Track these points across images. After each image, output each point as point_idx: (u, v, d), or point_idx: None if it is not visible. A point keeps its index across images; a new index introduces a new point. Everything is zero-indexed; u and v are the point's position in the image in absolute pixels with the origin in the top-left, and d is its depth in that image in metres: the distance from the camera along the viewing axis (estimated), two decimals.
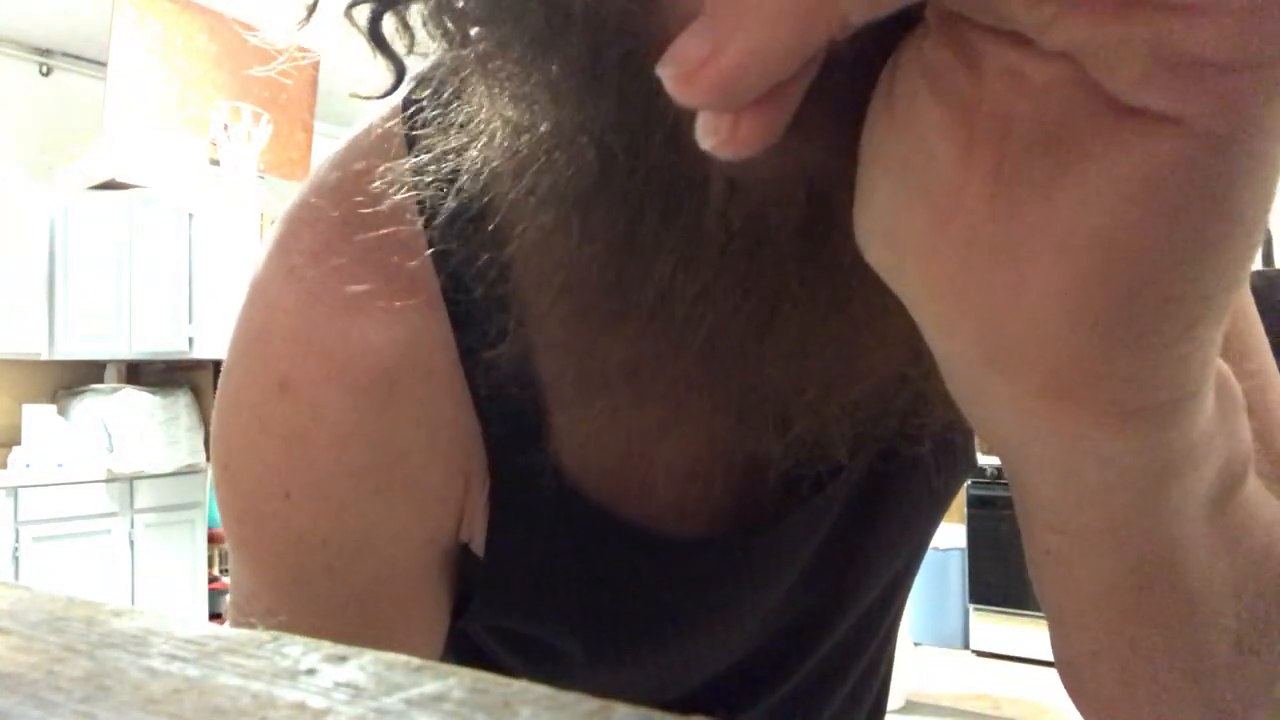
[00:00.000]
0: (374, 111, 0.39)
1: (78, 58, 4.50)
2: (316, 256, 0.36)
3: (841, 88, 0.20)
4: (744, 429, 0.33)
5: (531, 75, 0.25)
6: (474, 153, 0.30)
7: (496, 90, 0.27)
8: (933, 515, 0.46)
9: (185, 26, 4.29)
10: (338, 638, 0.39)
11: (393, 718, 0.13)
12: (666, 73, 0.18)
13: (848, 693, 0.52)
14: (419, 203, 0.34)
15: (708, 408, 0.32)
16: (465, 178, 0.31)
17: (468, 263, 0.34)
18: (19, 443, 3.96)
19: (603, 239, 0.27)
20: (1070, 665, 0.30)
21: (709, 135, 0.19)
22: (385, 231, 0.34)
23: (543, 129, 0.26)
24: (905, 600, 0.54)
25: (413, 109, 0.36)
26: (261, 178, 4.41)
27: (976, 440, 0.44)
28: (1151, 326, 0.18)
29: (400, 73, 0.34)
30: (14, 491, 3.66)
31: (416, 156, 0.34)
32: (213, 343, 4.15)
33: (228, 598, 0.43)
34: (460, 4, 0.27)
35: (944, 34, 0.18)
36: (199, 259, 4.16)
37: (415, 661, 0.15)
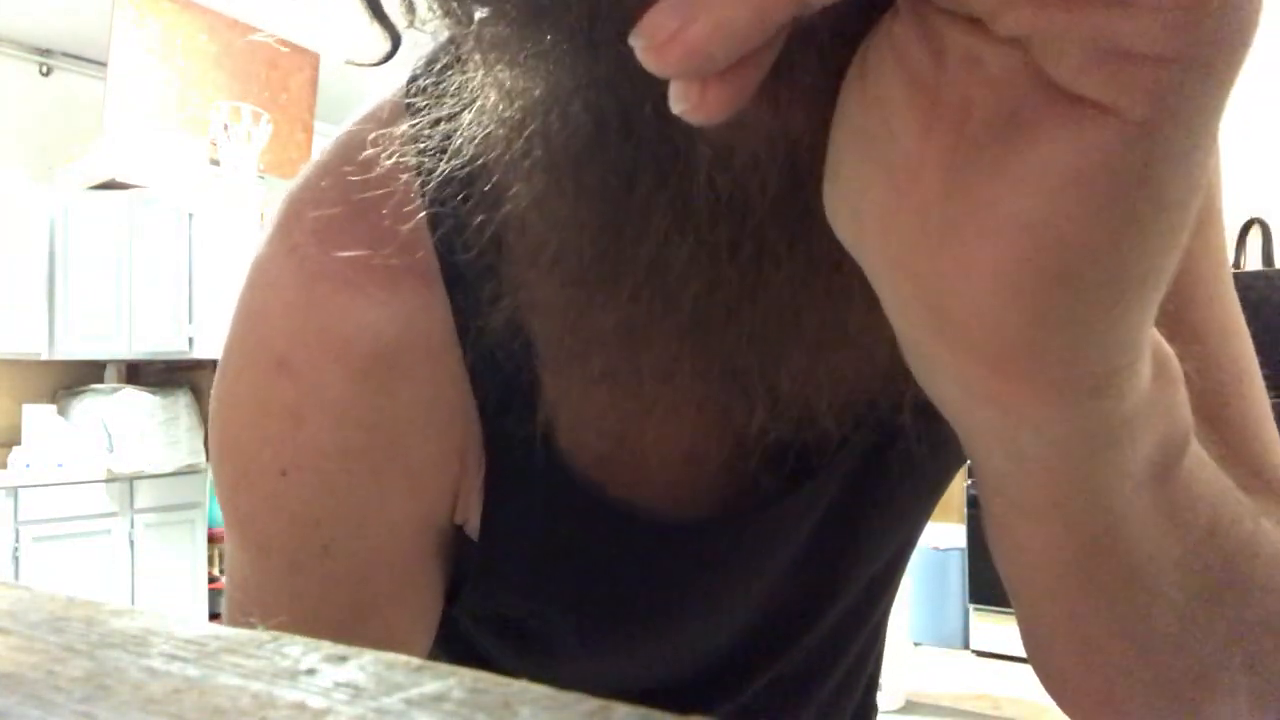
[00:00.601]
0: (377, 97, 0.39)
1: (78, 58, 4.49)
2: (318, 235, 0.36)
3: (822, 61, 0.21)
4: (734, 394, 0.33)
5: (528, 43, 0.26)
6: (468, 119, 0.30)
7: (492, 57, 0.28)
8: (925, 503, 0.47)
9: (185, 26, 4.29)
10: (332, 618, 0.37)
11: (393, 718, 0.13)
12: (638, 44, 0.19)
13: (836, 682, 0.52)
14: (419, 181, 0.34)
15: (698, 372, 0.32)
16: (460, 145, 0.31)
17: (465, 239, 0.34)
18: (19, 443, 3.96)
19: (595, 204, 0.27)
20: (1030, 637, 0.32)
21: (679, 101, 0.20)
22: (385, 212, 0.35)
23: (537, 95, 0.27)
24: (895, 591, 0.54)
25: (413, 87, 0.37)
26: (261, 178, 4.41)
27: None
28: (1084, 305, 0.19)
29: (396, 41, 0.34)
30: (14, 491, 3.66)
31: (414, 131, 0.34)
32: (213, 343, 4.15)
33: (225, 576, 0.43)
34: None
35: (911, 17, 0.20)
36: (199, 259, 4.16)
37: (415, 661, 0.15)
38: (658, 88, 0.23)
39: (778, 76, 0.21)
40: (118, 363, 4.34)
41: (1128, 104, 0.17)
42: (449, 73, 0.33)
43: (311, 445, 0.36)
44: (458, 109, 0.32)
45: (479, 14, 0.27)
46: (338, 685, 0.14)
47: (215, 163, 4.29)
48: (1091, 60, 0.17)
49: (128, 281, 4.06)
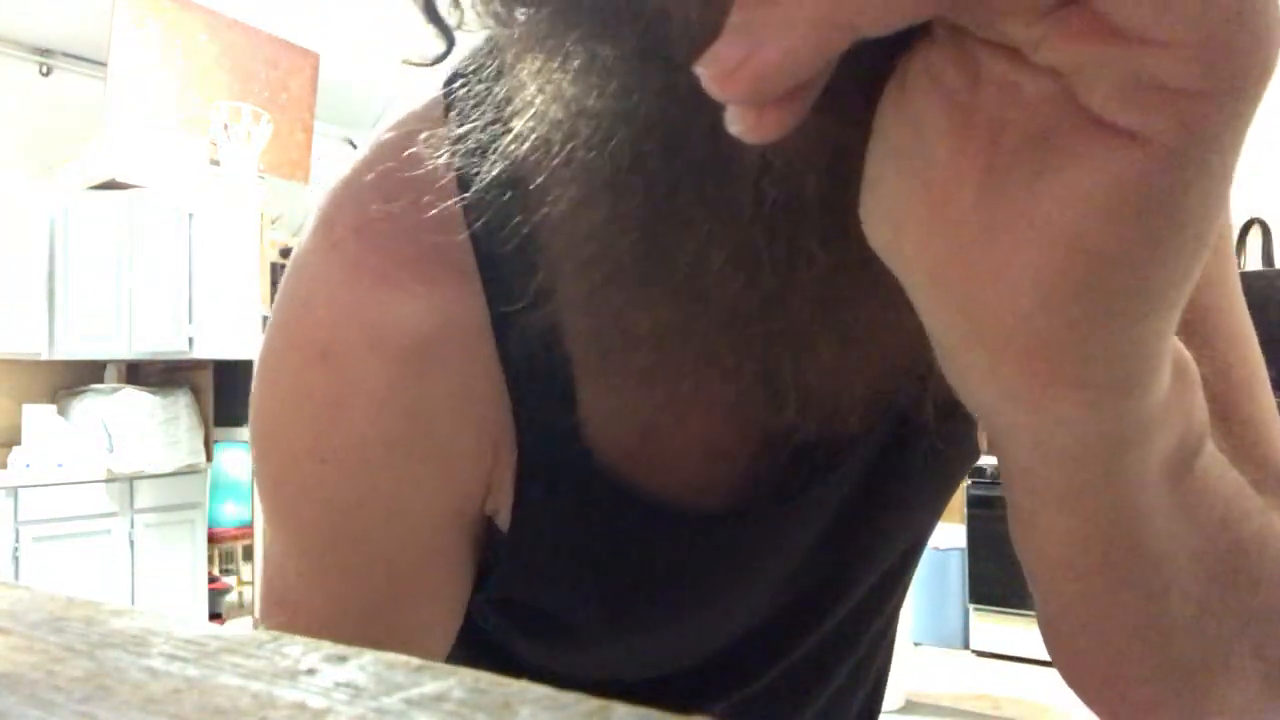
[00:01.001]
0: (414, 99, 0.40)
1: (78, 58, 4.49)
2: (359, 231, 0.37)
3: (860, 74, 0.23)
4: (764, 391, 0.34)
5: (587, 56, 0.27)
6: (516, 125, 0.31)
7: (548, 67, 0.29)
8: (938, 499, 0.48)
9: (185, 26, 4.29)
10: (365, 604, 0.39)
11: (393, 718, 0.13)
12: (706, 72, 0.20)
13: (845, 677, 0.54)
14: (458, 179, 0.36)
15: (730, 370, 0.34)
16: (504, 149, 0.32)
17: (502, 236, 0.35)
18: (19, 443, 3.96)
19: (639, 209, 0.29)
20: (1048, 624, 0.33)
21: (737, 123, 0.21)
22: (425, 206, 0.36)
23: (591, 105, 0.28)
24: (906, 589, 0.55)
25: (454, 88, 0.38)
26: (261, 178, 4.41)
27: (979, 436, 0.45)
28: (1112, 312, 0.21)
29: (450, 42, 0.35)
30: (14, 491, 3.66)
31: (455, 130, 0.35)
32: (213, 343, 4.15)
33: (260, 573, 0.44)
34: None
35: (949, 43, 0.21)
36: (199, 259, 4.16)
37: (415, 661, 0.15)
38: (711, 103, 0.24)
39: (831, 90, 0.22)
40: (118, 363, 4.34)
41: (1158, 132, 0.19)
42: (488, 76, 0.35)
43: (351, 433, 0.37)
44: (498, 111, 0.33)
45: (533, 25, 0.29)
46: (338, 685, 0.14)
47: (215, 163, 4.29)
48: (1124, 91, 0.18)
49: (128, 281, 4.06)
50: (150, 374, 4.46)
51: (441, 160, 0.36)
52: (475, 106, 0.35)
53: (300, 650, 0.16)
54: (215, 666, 0.16)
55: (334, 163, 5.60)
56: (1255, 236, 3.81)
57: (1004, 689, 3.45)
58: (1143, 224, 0.20)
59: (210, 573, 4.30)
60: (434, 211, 0.36)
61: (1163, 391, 0.24)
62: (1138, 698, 0.32)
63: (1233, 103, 0.19)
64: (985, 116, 0.21)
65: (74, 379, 4.30)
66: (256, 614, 0.45)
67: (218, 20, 4.39)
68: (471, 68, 0.37)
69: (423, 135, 0.37)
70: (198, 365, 4.35)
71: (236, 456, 4.40)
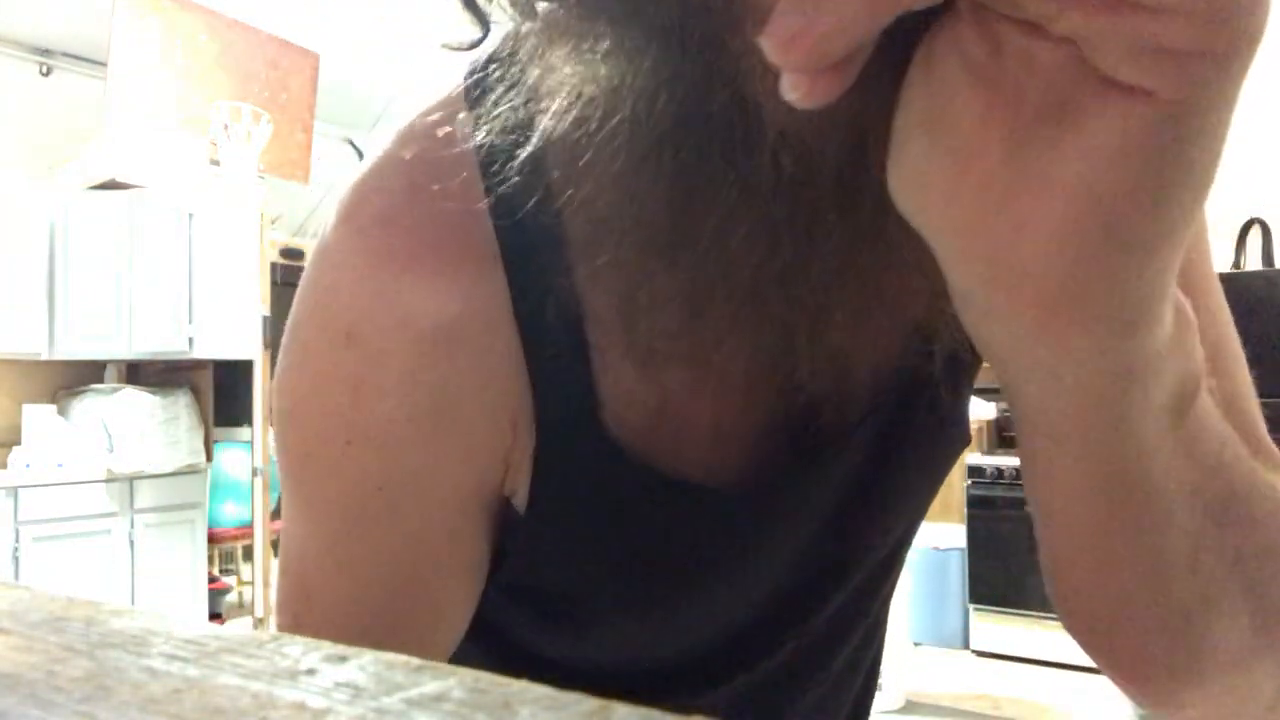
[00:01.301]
0: (433, 91, 0.42)
1: (78, 58, 4.49)
2: (383, 219, 0.39)
3: (882, 52, 0.24)
4: (780, 353, 0.36)
5: (615, 38, 0.30)
6: (545, 104, 0.33)
7: (579, 50, 0.31)
8: (933, 479, 0.50)
9: (185, 26, 4.29)
10: (386, 586, 0.40)
11: (393, 718, 0.13)
12: (769, 42, 0.22)
13: (837, 669, 0.55)
14: (482, 166, 0.37)
15: (749, 335, 0.35)
16: (541, 127, 0.34)
17: (524, 222, 0.37)
18: (19, 443, 3.96)
19: (670, 181, 0.31)
20: (1050, 559, 0.34)
21: (792, 90, 0.23)
22: (447, 193, 0.37)
23: (622, 84, 0.30)
24: (895, 582, 0.57)
25: (480, 75, 0.39)
26: (261, 178, 4.41)
27: (972, 429, 0.48)
28: (1123, 254, 0.23)
29: (486, 29, 0.37)
30: (14, 491, 3.66)
31: (484, 112, 0.37)
32: (213, 343, 4.15)
33: (276, 562, 0.44)
34: None
35: (973, 18, 0.23)
36: (199, 259, 4.16)
37: (415, 661, 0.15)
38: (735, 80, 0.28)
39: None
40: (118, 363, 4.34)
41: (1163, 88, 0.21)
42: (516, 62, 0.36)
43: (376, 414, 0.39)
44: (518, 99, 0.35)
45: (563, 12, 0.31)
46: (338, 685, 0.14)
47: (215, 163, 4.29)
48: (1132, 54, 0.21)
49: (128, 281, 4.06)
50: (150, 374, 4.46)
51: (460, 150, 0.37)
52: (504, 91, 0.36)
53: (300, 650, 0.16)
54: (215, 666, 0.16)
55: (334, 163, 5.61)
56: (1255, 236, 3.81)
57: (1004, 689, 3.45)
58: (1150, 171, 0.22)
59: (210, 573, 4.30)
60: (454, 199, 0.37)
61: (1166, 331, 0.26)
62: (1138, 637, 0.33)
63: (1229, 62, 0.21)
64: (1007, 85, 0.23)
65: (74, 379, 4.30)
66: (275, 601, 0.45)
67: (218, 20, 4.39)
68: (497, 56, 0.38)
69: (438, 124, 0.38)
70: (198, 365, 4.35)
71: (236, 456, 4.40)
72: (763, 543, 0.45)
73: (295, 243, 4.85)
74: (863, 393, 0.39)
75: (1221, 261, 3.78)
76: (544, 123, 0.34)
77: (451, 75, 0.41)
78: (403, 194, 0.39)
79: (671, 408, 0.40)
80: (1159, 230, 0.23)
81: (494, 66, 0.38)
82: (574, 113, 0.32)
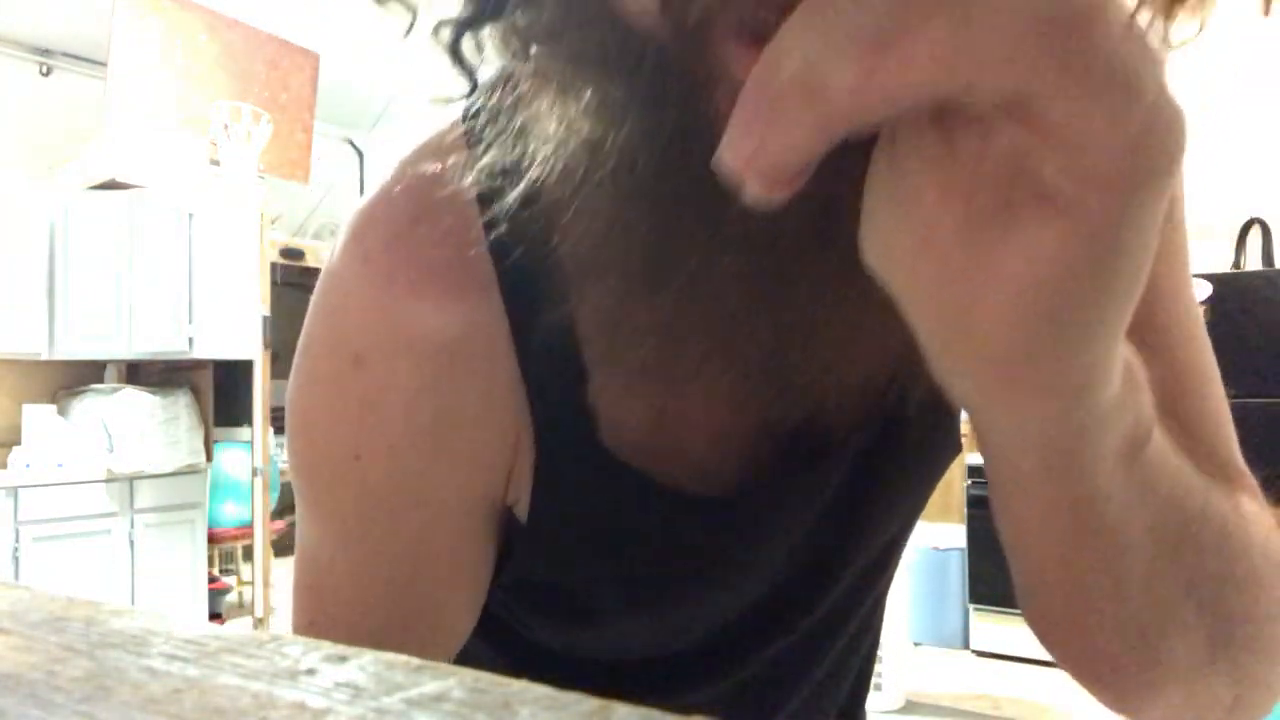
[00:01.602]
0: (435, 121, 0.44)
1: (78, 58, 4.50)
2: (388, 245, 0.41)
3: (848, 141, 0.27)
4: (755, 386, 0.38)
5: (598, 94, 0.32)
6: (534, 151, 0.35)
7: (564, 102, 0.33)
8: (924, 485, 0.52)
9: (185, 26, 4.29)
10: (393, 589, 0.42)
11: (393, 718, 0.13)
12: (725, 161, 0.24)
13: (834, 659, 0.57)
14: (479, 198, 0.40)
15: (727, 374, 0.38)
16: (524, 173, 0.36)
17: (519, 250, 0.39)
18: (19, 443, 3.97)
19: (651, 225, 0.33)
20: (1025, 592, 0.38)
21: (750, 192, 0.25)
22: (449, 222, 0.40)
23: (604, 139, 0.32)
24: (889, 582, 0.59)
25: (474, 115, 0.41)
26: (261, 178, 4.41)
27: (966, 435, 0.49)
28: (1066, 334, 0.26)
29: (474, 83, 0.39)
30: (14, 491, 3.66)
31: (478, 156, 0.39)
32: (213, 343, 4.15)
33: (276, 562, 0.48)
34: (526, 26, 0.34)
35: (929, 113, 0.25)
36: (199, 259, 4.16)
37: (415, 661, 0.15)
38: (709, 136, 0.28)
39: None
40: (118, 363, 4.34)
41: (1095, 208, 0.23)
42: (507, 105, 0.38)
43: (382, 431, 0.41)
44: (518, 139, 0.36)
45: (550, 63, 0.34)
46: (338, 685, 0.14)
47: (215, 163, 4.29)
48: (1066, 173, 0.23)
49: (128, 281, 4.06)
50: (150, 374, 4.46)
51: (467, 175, 0.39)
52: (498, 135, 0.38)
53: (300, 650, 0.16)
54: (215, 666, 0.16)
55: (334, 162, 5.60)
56: (1255, 236, 3.81)
57: (1004, 689, 3.45)
58: (1088, 274, 0.25)
59: (210, 573, 4.30)
60: (455, 228, 0.40)
61: (1114, 391, 0.29)
62: (1101, 652, 0.37)
63: (1154, 180, 0.23)
64: (960, 178, 0.25)
65: (74, 379, 4.30)
66: (292, 603, 0.48)
67: (218, 20, 4.39)
68: (490, 98, 0.40)
69: (450, 151, 0.41)
70: (198, 365, 4.35)
71: (236, 456, 4.40)
72: (756, 547, 0.47)
73: (295, 243, 4.85)
74: (854, 404, 0.40)
75: (1221, 261, 3.78)
76: (528, 171, 0.35)
77: (434, 90, 0.43)
78: (406, 221, 0.41)
79: (664, 423, 0.42)
80: (1099, 318, 0.26)
81: (492, 98, 0.40)
82: (559, 161, 0.34)
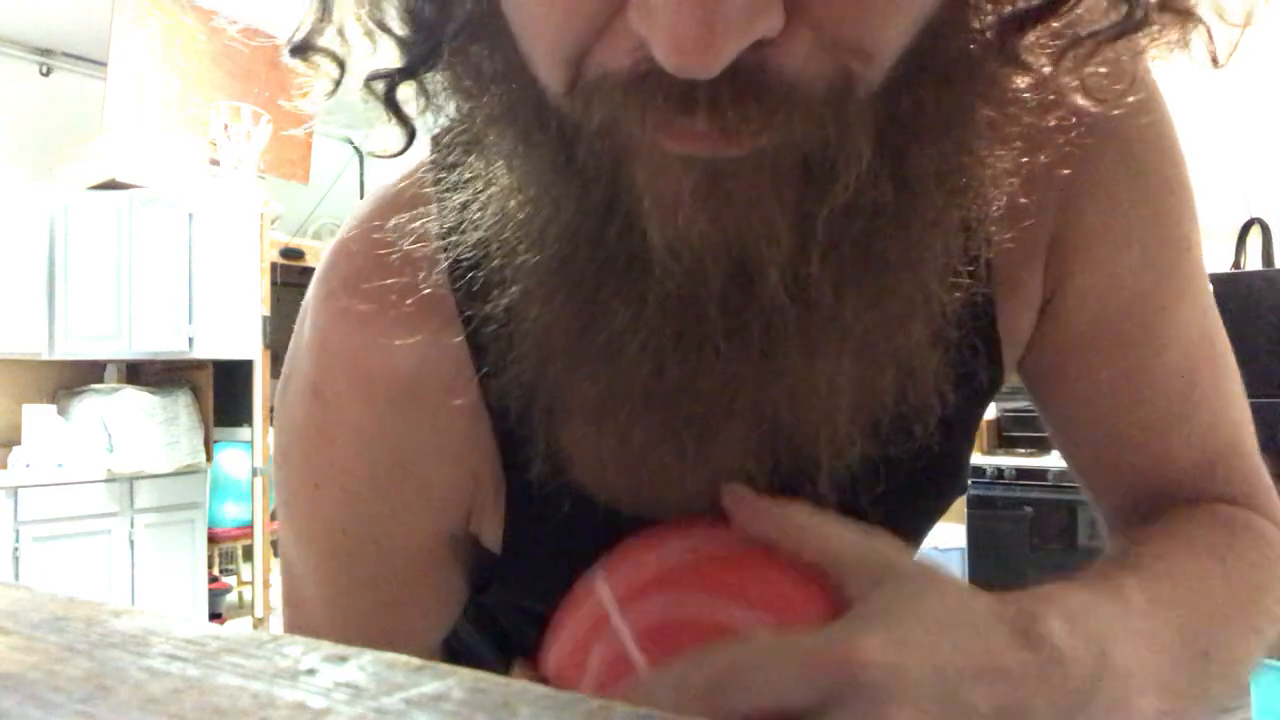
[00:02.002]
0: (405, 163, 0.45)
1: (78, 58, 4.49)
2: (348, 282, 0.42)
3: (759, 181, 0.30)
4: (673, 456, 0.38)
5: (517, 158, 0.33)
6: (477, 207, 0.37)
7: (491, 160, 0.35)
8: (923, 521, 0.52)
9: (185, 27, 4.29)
10: (359, 608, 0.43)
11: (393, 718, 0.13)
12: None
13: None
14: (444, 238, 0.40)
15: (650, 440, 0.38)
16: (475, 216, 0.37)
17: (480, 290, 0.39)
18: (19, 443, 3.96)
19: (568, 300, 0.34)
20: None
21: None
22: (408, 266, 0.40)
23: (525, 214, 0.34)
24: None
25: (440, 151, 0.42)
26: (261, 178, 4.41)
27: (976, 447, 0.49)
28: None
29: (412, 135, 0.39)
30: (14, 491, 3.66)
31: (440, 199, 0.40)
32: (213, 343, 4.14)
33: (276, 563, 0.51)
34: (464, 81, 0.34)
35: None
36: (199, 259, 4.15)
37: (415, 661, 0.15)
38: (623, 207, 0.31)
39: (726, 203, 0.29)
40: (118, 363, 4.34)
41: None
42: (461, 150, 0.39)
43: (338, 464, 0.42)
44: (472, 181, 0.38)
45: (479, 122, 0.35)
46: (338, 685, 0.14)
47: (215, 163, 4.28)
48: None
49: (128, 281, 4.05)
50: (150, 374, 4.46)
51: (426, 223, 0.40)
52: (448, 186, 0.39)
53: (300, 650, 0.16)
54: (215, 666, 0.16)
55: (334, 162, 5.60)
56: (1255, 236, 3.81)
57: None
58: None
59: (210, 573, 4.30)
60: (416, 268, 0.40)
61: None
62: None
63: None
64: None
65: (74, 379, 4.30)
66: (282, 609, 0.51)
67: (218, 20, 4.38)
68: (453, 129, 0.41)
69: (417, 191, 0.42)
70: (198, 365, 4.35)
71: (236, 456, 4.40)
72: None
73: (295, 243, 4.85)
74: (824, 448, 0.39)
75: (1221, 261, 3.78)
76: (472, 214, 0.37)
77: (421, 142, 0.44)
78: (369, 259, 0.41)
79: (623, 464, 0.41)
80: None
81: (446, 151, 0.41)
82: (495, 210, 0.35)
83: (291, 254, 4.73)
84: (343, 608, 0.46)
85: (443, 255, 0.40)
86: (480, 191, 0.36)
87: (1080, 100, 0.35)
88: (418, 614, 0.46)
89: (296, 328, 0.44)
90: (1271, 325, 3.44)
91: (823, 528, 0.36)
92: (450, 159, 0.40)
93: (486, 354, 0.40)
